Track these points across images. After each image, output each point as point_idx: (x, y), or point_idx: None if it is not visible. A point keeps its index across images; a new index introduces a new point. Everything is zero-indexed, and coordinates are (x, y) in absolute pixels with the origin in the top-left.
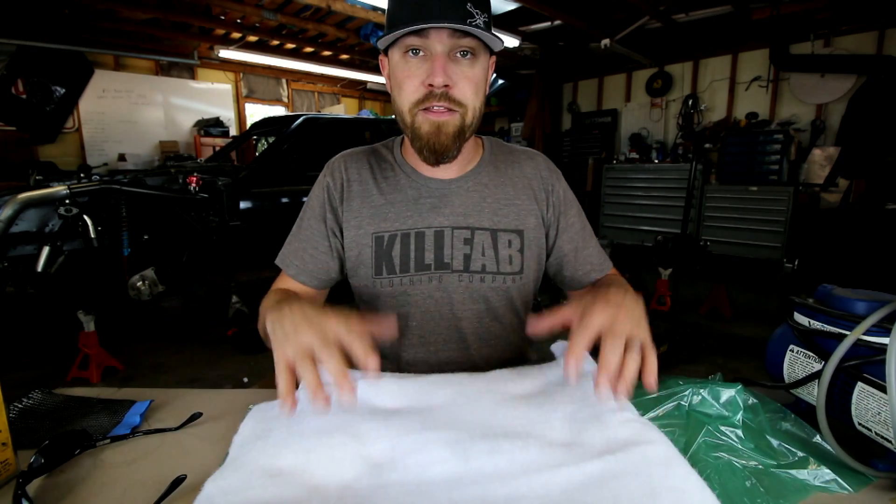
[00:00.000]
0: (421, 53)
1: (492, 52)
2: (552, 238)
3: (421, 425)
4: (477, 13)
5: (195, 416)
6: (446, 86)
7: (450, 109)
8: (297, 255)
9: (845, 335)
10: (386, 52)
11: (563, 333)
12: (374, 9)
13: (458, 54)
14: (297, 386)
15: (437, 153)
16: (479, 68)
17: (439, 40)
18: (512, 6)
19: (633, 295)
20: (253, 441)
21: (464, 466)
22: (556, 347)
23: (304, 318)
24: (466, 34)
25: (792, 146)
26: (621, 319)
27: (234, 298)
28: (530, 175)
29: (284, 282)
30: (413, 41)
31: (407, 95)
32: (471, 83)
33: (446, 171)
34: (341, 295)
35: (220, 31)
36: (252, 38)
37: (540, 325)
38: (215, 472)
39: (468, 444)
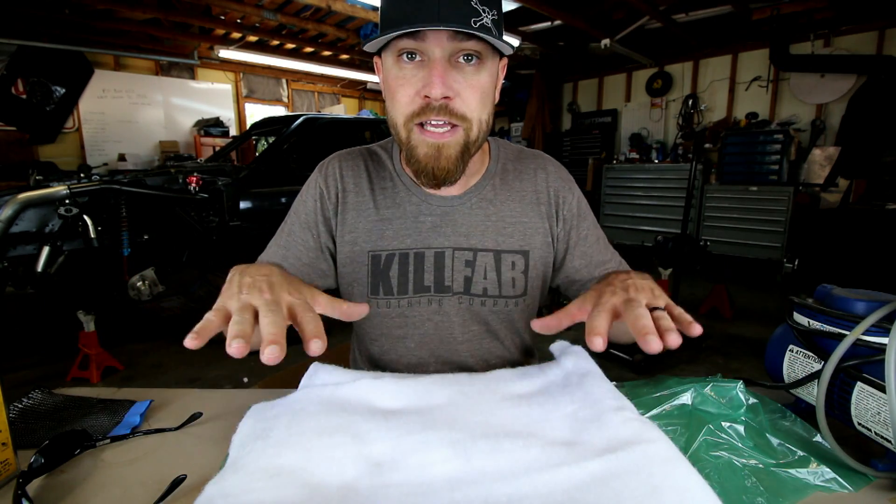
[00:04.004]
0: (417, 58)
1: (502, 55)
2: (561, 254)
3: (422, 425)
4: (484, 10)
5: (195, 416)
6: (446, 97)
7: (451, 125)
8: (278, 260)
9: (845, 335)
10: (380, 52)
11: (563, 334)
12: (375, 9)
13: (462, 59)
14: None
15: (437, 178)
16: (485, 75)
17: (438, 44)
18: (512, 6)
19: (638, 273)
20: (252, 441)
21: (465, 466)
22: (556, 347)
23: (266, 281)
24: (471, 36)
25: (792, 146)
26: (634, 292)
27: None
28: (540, 188)
29: None
30: (407, 44)
31: (400, 107)
32: (475, 92)
33: (448, 188)
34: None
35: (220, 31)
36: (252, 38)
37: (546, 324)
38: (216, 475)
39: (469, 444)
